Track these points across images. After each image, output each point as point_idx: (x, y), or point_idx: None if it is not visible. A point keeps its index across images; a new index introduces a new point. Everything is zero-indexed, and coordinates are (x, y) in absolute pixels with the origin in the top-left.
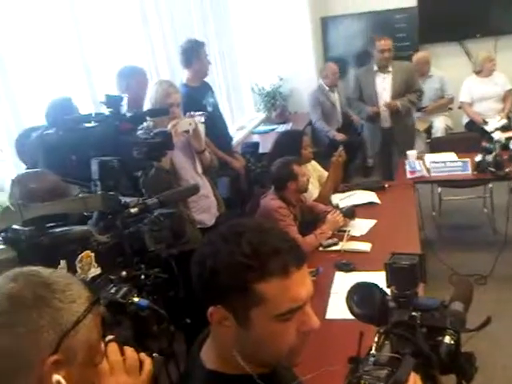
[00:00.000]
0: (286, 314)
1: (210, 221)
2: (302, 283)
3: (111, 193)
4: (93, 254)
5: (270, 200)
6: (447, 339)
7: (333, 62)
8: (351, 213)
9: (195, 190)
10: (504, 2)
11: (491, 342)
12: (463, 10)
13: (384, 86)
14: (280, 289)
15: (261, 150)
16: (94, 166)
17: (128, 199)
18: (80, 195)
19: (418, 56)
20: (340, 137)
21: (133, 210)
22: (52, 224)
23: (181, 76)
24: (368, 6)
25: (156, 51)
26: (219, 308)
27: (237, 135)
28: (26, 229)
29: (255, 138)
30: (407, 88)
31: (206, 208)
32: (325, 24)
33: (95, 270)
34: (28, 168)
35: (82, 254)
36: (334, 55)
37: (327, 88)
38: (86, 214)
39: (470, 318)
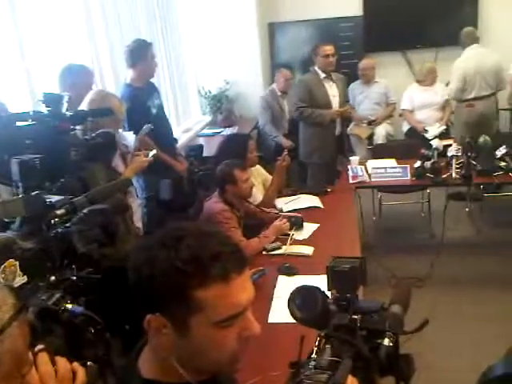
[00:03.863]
0: (227, 320)
1: None
2: (243, 289)
3: (35, 193)
4: (17, 263)
5: (214, 203)
6: (386, 341)
7: (280, 67)
8: (299, 222)
9: (125, 184)
10: (444, 17)
11: (428, 344)
12: (406, 22)
13: (333, 93)
14: (220, 295)
15: (205, 153)
16: (15, 166)
17: (56, 198)
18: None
19: (365, 62)
20: (287, 144)
21: (59, 212)
22: None
23: (124, 76)
24: (315, 13)
25: (100, 50)
26: (157, 316)
27: (182, 138)
28: None
29: (200, 141)
30: (345, 98)
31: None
32: (272, 29)
33: (21, 279)
34: None
35: (5, 264)
36: (281, 61)
37: (279, 93)
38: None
39: (409, 320)
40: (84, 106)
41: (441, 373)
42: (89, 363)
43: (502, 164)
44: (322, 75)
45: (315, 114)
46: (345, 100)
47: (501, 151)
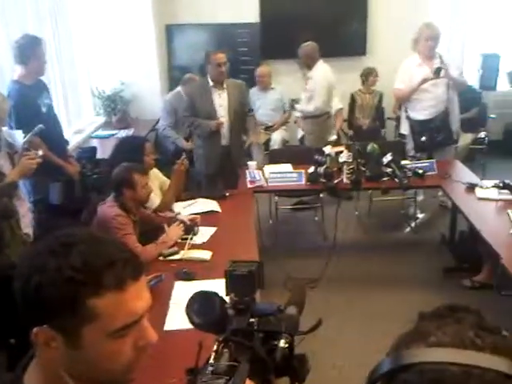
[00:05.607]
0: (122, 329)
1: None
2: (138, 296)
3: None
4: None
5: (108, 207)
6: (282, 343)
7: (178, 70)
8: (194, 228)
9: (11, 187)
10: (336, 29)
11: (322, 343)
12: (301, 32)
13: (220, 103)
14: (115, 303)
15: (99, 156)
16: None
17: None
18: None
19: (261, 69)
20: (189, 146)
21: None
22: None
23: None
24: (213, 17)
25: None
26: (45, 328)
27: (74, 139)
28: None
29: (94, 143)
30: (241, 106)
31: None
32: (170, 31)
33: None
34: None
35: None
36: (179, 63)
37: (185, 97)
38: None
39: (304, 321)
40: None
41: (334, 370)
42: None
43: (388, 170)
44: (211, 83)
45: (196, 123)
46: (246, 107)
47: (387, 158)
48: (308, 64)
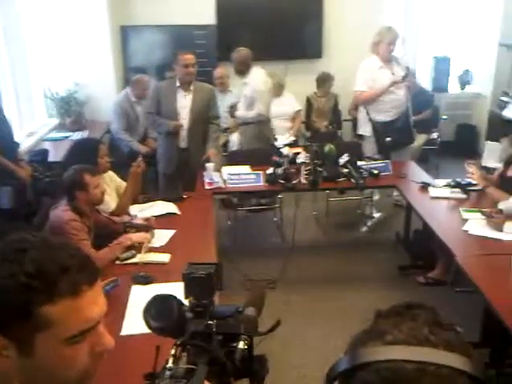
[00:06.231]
0: (77, 336)
1: None
2: (94, 302)
3: None
4: None
5: (61, 212)
6: (241, 344)
7: (133, 71)
8: (146, 227)
9: None
10: (292, 32)
11: (282, 343)
12: (258, 35)
13: (184, 105)
14: (70, 310)
15: (52, 159)
16: None
17: None
18: None
19: (218, 71)
20: (144, 150)
21: None
22: None
23: None
24: (169, 19)
25: None
26: None
27: (25, 142)
28: None
29: (46, 146)
30: (206, 111)
31: None
32: (125, 33)
33: None
34: None
35: None
36: (135, 65)
37: (134, 99)
38: None
39: (263, 322)
40: None
41: (294, 369)
42: None
43: (345, 171)
44: (177, 84)
45: (158, 122)
46: (212, 113)
47: (343, 159)
48: (241, 70)
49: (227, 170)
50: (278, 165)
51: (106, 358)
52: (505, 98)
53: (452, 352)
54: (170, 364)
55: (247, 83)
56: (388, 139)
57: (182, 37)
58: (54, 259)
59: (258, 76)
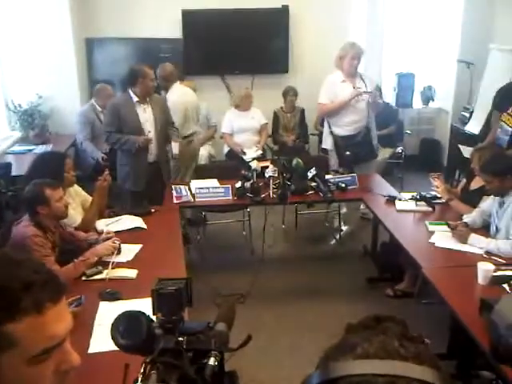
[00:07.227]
0: (42, 354)
1: None
2: (59, 319)
3: None
4: None
5: (24, 227)
6: (212, 360)
7: (98, 84)
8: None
9: None
10: (259, 47)
11: (252, 358)
12: (224, 49)
13: (146, 118)
14: (33, 328)
15: (16, 172)
16: None
17: None
18: None
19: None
20: (103, 162)
21: None
22: None
23: None
24: (135, 32)
25: None
26: None
27: None
28: None
29: (9, 159)
30: (165, 119)
31: None
32: (90, 45)
33: None
34: None
35: None
36: (100, 77)
37: (99, 109)
38: None
39: (234, 337)
40: None
41: None
42: None
43: (313, 184)
44: (135, 99)
45: (123, 139)
46: (169, 120)
47: (311, 172)
48: (164, 85)
49: (195, 183)
50: (246, 178)
51: (74, 377)
52: (466, 114)
53: (422, 365)
54: (139, 382)
55: (167, 99)
56: (347, 153)
57: (148, 50)
58: (17, 276)
59: (178, 93)
